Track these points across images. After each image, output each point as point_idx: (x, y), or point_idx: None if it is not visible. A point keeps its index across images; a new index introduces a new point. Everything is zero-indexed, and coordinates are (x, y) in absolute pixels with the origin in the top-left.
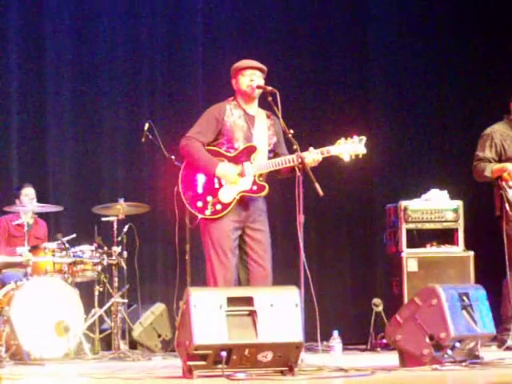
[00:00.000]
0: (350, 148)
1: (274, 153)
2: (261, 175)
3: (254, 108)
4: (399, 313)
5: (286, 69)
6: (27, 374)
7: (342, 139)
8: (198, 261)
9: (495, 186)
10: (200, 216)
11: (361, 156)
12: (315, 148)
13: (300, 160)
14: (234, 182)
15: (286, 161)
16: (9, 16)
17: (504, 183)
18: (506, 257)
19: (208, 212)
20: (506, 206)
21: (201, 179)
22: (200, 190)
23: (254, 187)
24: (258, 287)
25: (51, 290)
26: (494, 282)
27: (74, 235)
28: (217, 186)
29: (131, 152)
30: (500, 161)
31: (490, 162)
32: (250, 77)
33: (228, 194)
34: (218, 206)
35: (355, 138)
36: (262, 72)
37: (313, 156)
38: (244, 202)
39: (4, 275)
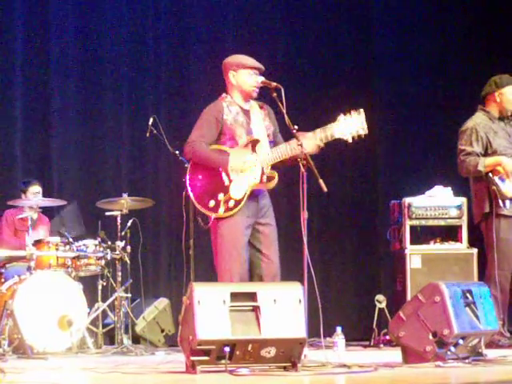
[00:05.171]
0: (352, 127)
1: (273, 142)
2: (268, 166)
3: (248, 102)
4: (402, 309)
5: (289, 59)
6: (30, 368)
7: (342, 115)
8: (202, 256)
9: (482, 181)
10: (214, 215)
11: (363, 136)
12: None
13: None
14: (250, 167)
15: (292, 150)
16: (14, 9)
17: (496, 177)
18: (496, 255)
19: (221, 210)
20: (500, 201)
21: (209, 179)
22: (210, 189)
23: (264, 178)
24: (261, 283)
25: (54, 284)
26: None
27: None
28: (227, 182)
29: (136, 147)
30: (486, 154)
31: (479, 156)
32: (256, 78)
33: (239, 190)
34: (231, 203)
35: (353, 113)
36: (261, 74)
37: (316, 143)
38: (254, 197)
39: (8, 269)
